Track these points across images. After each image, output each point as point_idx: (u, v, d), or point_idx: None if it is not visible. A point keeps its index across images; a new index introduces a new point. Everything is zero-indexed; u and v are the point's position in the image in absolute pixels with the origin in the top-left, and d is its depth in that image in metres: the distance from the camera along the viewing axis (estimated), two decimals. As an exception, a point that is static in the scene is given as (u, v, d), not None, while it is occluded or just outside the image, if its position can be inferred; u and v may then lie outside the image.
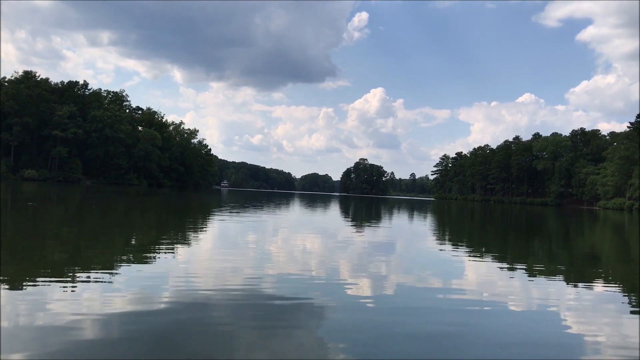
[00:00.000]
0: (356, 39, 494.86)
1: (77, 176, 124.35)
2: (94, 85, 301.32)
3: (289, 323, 7.05)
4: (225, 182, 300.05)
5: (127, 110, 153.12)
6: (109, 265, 10.91)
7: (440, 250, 17.92)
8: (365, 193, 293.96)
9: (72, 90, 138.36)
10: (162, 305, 7.60)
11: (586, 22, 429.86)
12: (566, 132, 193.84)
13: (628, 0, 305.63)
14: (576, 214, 78.83)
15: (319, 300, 8.51)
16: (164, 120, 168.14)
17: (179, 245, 14.81)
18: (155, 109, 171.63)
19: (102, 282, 9.07)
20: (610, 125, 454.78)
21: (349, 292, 9.36)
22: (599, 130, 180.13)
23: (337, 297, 8.84)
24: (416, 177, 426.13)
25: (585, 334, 7.28)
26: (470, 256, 16.16)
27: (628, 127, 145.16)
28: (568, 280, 11.97)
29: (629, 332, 7.46)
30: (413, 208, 68.07)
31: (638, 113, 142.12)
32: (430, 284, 10.52)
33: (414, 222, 35.62)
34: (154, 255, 12.77)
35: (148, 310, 7.27)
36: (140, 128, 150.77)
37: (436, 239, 22.96)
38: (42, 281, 8.80)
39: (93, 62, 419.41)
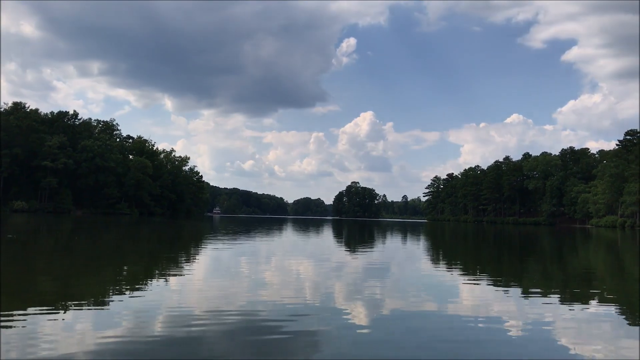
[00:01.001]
0: (345, 64, 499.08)
1: (67, 207, 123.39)
2: (84, 115, 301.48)
3: (284, 351, 6.98)
4: (217, 208, 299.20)
5: (118, 139, 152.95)
6: (100, 297, 10.77)
7: (435, 272, 17.86)
8: (357, 216, 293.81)
9: (62, 121, 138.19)
10: (156, 337, 7.50)
11: (571, 42, 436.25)
12: (555, 151, 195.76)
13: (611, 20, 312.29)
14: (569, 232, 79.05)
15: (314, 326, 8.43)
16: (154, 148, 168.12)
17: (171, 275, 14.67)
18: (146, 137, 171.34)
19: (93, 314, 8.95)
20: (598, 144, 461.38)
21: (344, 317, 9.28)
22: (588, 149, 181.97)
23: (332, 323, 8.77)
24: (408, 199, 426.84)
25: (582, 354, 7.24)
26: (465, 278, 16.10)
27: (617, 144, 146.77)
28: (563, 300, 11.94)
29: (625, 352, 7.42)
30: (406, 230, 68.01)
31: (626, 131, 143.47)
32: (425, 307, 10.47)
33: (407, 245, 35.54)
34: (146, 285, 12.63)
35: (142, 341, 7.18)
36: (130, 157, 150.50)
37: (430, 261, 22.89)
38: (32, 313, 8.66)
39: (83, 92, 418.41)
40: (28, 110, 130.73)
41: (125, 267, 16.61)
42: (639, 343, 7.83)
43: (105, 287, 12.04)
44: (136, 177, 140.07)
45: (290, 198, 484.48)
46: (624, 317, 10.13)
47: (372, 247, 30.87)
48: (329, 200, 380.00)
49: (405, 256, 25.56)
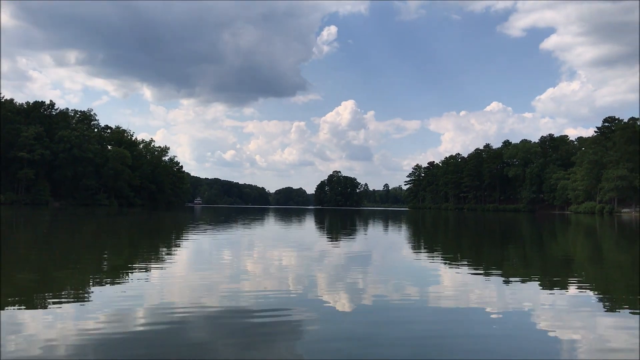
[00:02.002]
0: (326, 52, 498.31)
1: (45, 198, 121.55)
2: (62, 105, 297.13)
3: (267, 339, 6.96)
4: (198, 199, 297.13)
5: (96, 130, 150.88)
6: (79, 290, 10.64)
7: (417, 260, 17.96)
8: (339, 205, 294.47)
9: (38, 111, 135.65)
10: (139, 327, 7.45)
11: (549, 31, 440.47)
12: (535, 138, 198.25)
13: (589, 8, 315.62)
14: (548, 219, 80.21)
15: (297, 314, 8.43)
16: (133, 138, 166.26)
17: (152, 266, 14.54)
18: (124, 127, 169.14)
19: (74, 305, 8.82)
20: (577, 131, 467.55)
21: (326, 305, 9.29)
22: (567, 136, 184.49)
23: (315, 310, 8.77)
24: (390, 188, 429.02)
25: (561, 337, 7.36)
26: (446, 264, 16.22)
27: (595, 131, 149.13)
28: (543, 286, 12.08)
29: (603, 333, 7.54)
30: (388, 219, 68.37)
31: (604, 118, 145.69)
32: (407, 293, 10.52)
33: (389, 233, 35.71)
34: (127, 276, 12.49)
35: (124, 332, 7.12)
36: (109, 147, 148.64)
37: (412, 249, 23.03)
38: (10, 308, 8.50)
39: (60, 82, 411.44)
40: (2, 100, 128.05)
41: (105, 260, 16.42)
42: (616, 328, 7.98)
43: (84, 279, 11.89)
44: (115, 167, 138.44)
45: (272, 188, 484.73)
46: (602, 302, 10.29)
47: (354, 236, 30.96)
48: (310, 189, 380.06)
49: (387, 244, 25.68)
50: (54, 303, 9.02)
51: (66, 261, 15.38)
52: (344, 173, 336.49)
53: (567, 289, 11.65)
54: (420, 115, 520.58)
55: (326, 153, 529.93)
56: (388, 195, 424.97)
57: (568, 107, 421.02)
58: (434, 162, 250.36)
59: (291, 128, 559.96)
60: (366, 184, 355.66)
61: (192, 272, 13.29)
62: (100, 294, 10.04)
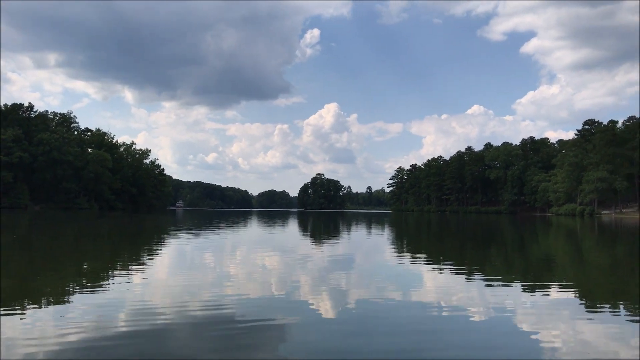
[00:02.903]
0: (309, 55, 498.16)
1: (24, 202, 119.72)
2: (42, 107, 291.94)
3: (250, 343, 6.90)
4: (180, 202, 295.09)
5: (76, 132, 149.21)
6: (60, 294, 10.46)
7: (400, 261, 17.98)
8: (323, 208, 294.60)
9: (17, 113, 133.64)
10: (120, 333, 7.34)
11: (529, 34, 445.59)
12: (516, 141, 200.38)
13: (568, 13, 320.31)
14: (530, 221, 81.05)
15: (280, 319, 8.38)
16: (114, 141, 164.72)
17: (133, 270, 14.35)
18: (105, 130, 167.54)
19: (54, 310, 8.67)
20: (557, 134, 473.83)
21: (310, 308, 9.25)
22: (548, 139, 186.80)
23: (298, 314, 8.73)
24: (372, 190, 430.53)
25: (542, 338, 7.39)
26: (428, 266, 16.26)
27: (575, 134, 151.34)
28: (524, 287, 12.16)
29: (584, 335, 7.60)
30: (371, 221, 68.51)
31: (584, 121, 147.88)
32: (390, 296, 10.51)
33: (372, 235, 35.76)
34: (109, 281, 12.30)
35: (105, 338, 7.01)
36: (89, 150, 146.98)
37: (395, 251, 23.06)
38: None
39: (40, 84, 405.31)
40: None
41: (86, 263, 16.17)
42: (596, 327, 8.05)
43: (65, 283, 11.70)
44: (95, 170, 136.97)
45: (254, 191, 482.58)
46: (582, 302, 10.38)
47: (337, 239, 30.94)
48: (294, 192, 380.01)
49: (370, 247, 25.69)
50: (33, 309, 8.84)
51: (45, 266, 15.11)
52: (327, 176, 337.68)
53: (548, 290, 11.74)
54: (403, 118, 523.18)
55: (309, 156, 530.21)
56: (371, 198, 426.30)
57: (548, 110, 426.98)
58: (416, 164, 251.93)
59: (274, 131, 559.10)
60: (349, 187, 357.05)
61: (173, 277, 13.14)
62: (80, 299, 9.86)
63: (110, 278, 12.67)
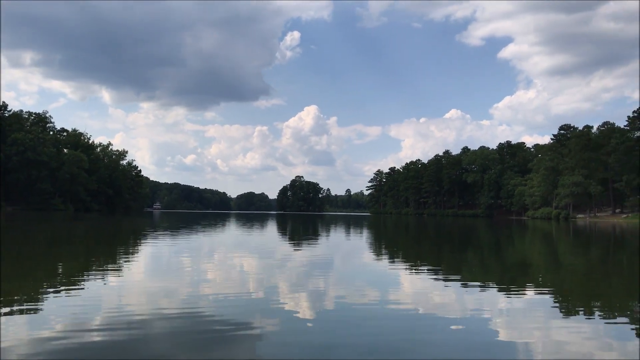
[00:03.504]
0: (289, 57, 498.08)
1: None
2: (16, 107, 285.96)
3: (228, 346, 6.86)
4: (157, 204, 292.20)
5: (51, 132, 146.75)
6: (33, 297, 10.24)
7: (378, 264, 18.05)
8: (302, 210, 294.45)
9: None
10: (96, 336, 7.24)
11: (507, 40, 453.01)
12: (493, 145, 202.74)
13: (545, 19, 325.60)
14: (506, 224, 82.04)
15: (258, 321, 8.33)
16: (91, 142, 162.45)
17: (109, 273, 14.14)
18: (82, 130, 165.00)
19: (28, 314, 8.47)
20: (533, 138, 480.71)
21: (288, 310, 9.21)
22: (524, 143, 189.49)
23: (276, 316, 8.70)
24: (351, 193, 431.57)
25: (517, 340, 7.49)
26: (406, 269, 16.34)
27: (552, 139, 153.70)
28: (500, 289, 12.29)
29: (558, 337, 7.70)
30: (350, 224, 68.65)
31: (560, 126, 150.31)
32: (368, 299, 10.54)
33: (351, 238, 35.83)
34: (84, 283, 12.10)
35: (80, 341, 6.89)
36: (65, 150, 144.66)
37: (373, 254, 23.13)
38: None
39: (15, 83, 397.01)
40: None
41: (60, 266, 15.88)
42: (570, 328, 8.17)
43: (38, 286, 11.46)
44: (71, 171, 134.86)
45: (233, 193, 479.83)
46: (557, 304, 10.53)
47: (316, 241, 30.93)
48: (273, 194, 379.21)
49: (348, 249, 25.73)
50: (5, 314, 8.63)
51: (18, 268, 14.79)
52: (307, 178, 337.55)
53: (524, 293, 11.88)
54: (382, 122, 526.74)
55: (289, 158, 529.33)
56: (350, 200, 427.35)
57: (525, 115, 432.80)
58: (395, 167, 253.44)
59: (253, 132, 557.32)
60: (328, 189, 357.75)
61: (150, 279, 12.99)
62: (54, 302, 9.67)
63: (86, 281, 12.47)
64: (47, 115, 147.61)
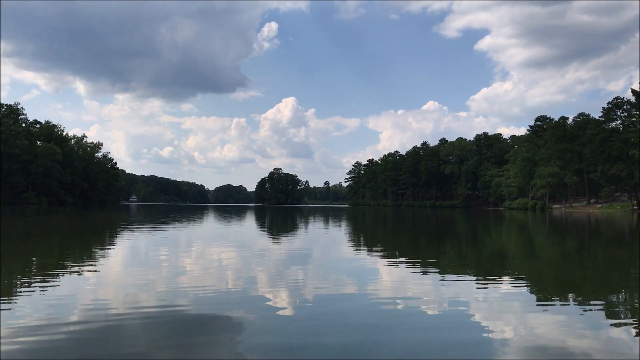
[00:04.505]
0: (266, 49, 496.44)
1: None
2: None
3: (206, 340, 6.79)
4: (134, 197, 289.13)
5: (24, 125, 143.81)
6: (5, 291, 10.00)
7: (356, 256, 18.09)
8: (280, 202, 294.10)
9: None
10: (71, 332, 7.09)
11: (483, 32, 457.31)
12: (470, 137, 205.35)
13: (521, 12, 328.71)
14: (483, 215, 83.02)
15: (236, 314, 8.27)
16: (64, 134, 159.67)
17: (84, 266, 13.93)
18: (55, 122, 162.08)
19: (1, 310, 8.28)
20: (509, 130, 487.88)
21: (267, 303, 9.17)
22: (501, 134, 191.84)
23: (255, 309, 8.65)
24: (330, 185, 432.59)
25: (494, 329, 7.55)
26: (384, 260, 16.41)
27: (528, 130, 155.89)
28: (478, 280, 12.40)
29: (535, 325, 7.80)
30: (328, 215, 68.75)
31: (536, 117, 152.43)
32: (347, 290, 10.56)
33: (329, 230, 35.87)
34: (58, 278, 11.87)
35: (54, 339, 6.75)
36: (38, 143, 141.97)
37: (351, 245, 23.19)
38: None
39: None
40: None
41: (34, 260, 15.56)
42: (546, 317, 8.28)
43: (11, 280, 11.21)
44: (44, 164, 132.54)
45: (211, 185, 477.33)
46: (533, 295, 10.67)
47: (294, 233, 30.90)
48: (251, 187, 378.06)
49: (327, 241, 25.75)
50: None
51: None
52: (285, 170, 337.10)
53: (500, 283, 12.01)
54: (360, 114, 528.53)
55: (267, 150, 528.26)
56: (329, 192, 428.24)
57: (501, 107, 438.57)
58: (373, 159, 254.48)
59: (231, 124, 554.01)
60: (307, 181, 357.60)
61: (126, 272, 12.81)
62: (28, 297, 9.48)
63: (61, 275, 12.25)
64: (19, 107, 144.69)
